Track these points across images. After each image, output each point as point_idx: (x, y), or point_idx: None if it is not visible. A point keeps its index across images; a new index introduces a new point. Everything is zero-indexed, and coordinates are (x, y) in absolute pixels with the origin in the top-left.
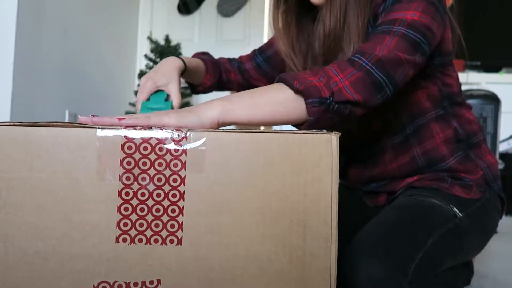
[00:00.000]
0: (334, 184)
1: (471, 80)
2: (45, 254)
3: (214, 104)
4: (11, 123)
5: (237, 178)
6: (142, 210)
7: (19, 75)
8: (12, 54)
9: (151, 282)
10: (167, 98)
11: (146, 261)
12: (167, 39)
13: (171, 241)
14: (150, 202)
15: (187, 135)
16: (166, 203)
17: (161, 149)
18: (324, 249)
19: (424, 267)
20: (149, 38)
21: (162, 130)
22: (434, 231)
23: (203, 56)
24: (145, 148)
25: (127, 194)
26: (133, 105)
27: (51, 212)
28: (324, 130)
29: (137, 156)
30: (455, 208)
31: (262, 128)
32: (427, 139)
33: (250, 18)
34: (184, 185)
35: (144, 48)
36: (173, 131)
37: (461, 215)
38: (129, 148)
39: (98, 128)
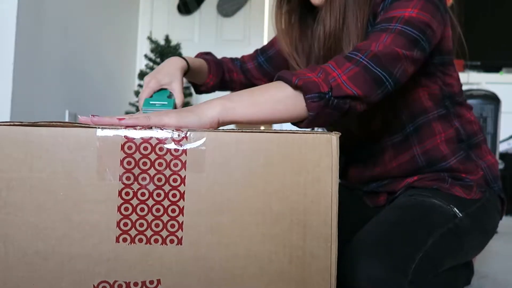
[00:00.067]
0: (334, 184)
1: (471, 80)
2: (45, 254)
3: (214, 103)
4: (11, 123)
5: (237, 178)
6: (142, 210)
7: (19, 75)
8: (12, 54)
9: (151, 282)
10: (170, 95)
11: (146, 261)
12: (167, 39)
13: (171, 241)
14: (150, 202)
15: (187, 135)
16: (166, 203)
17: (161, 149)
18: (324, 249)
19: (424, 267)
20: (149, 38)
21: (162, 130)
22: (434, 231)
23: (206, 56)
24: (145, 148)
25: (127, 194)
26: (133, 105)
27: (51, 212)
28: (324, 130)
29: (137, 156)
30: (455, 208)
31: (262, 127)
32: (428, 138)
33: (250, 18)
34: (184, 185)
35: (144, 48)
36: (173, 131)
37: (461, 215)
38: (129, 148)
39: (98, 128)
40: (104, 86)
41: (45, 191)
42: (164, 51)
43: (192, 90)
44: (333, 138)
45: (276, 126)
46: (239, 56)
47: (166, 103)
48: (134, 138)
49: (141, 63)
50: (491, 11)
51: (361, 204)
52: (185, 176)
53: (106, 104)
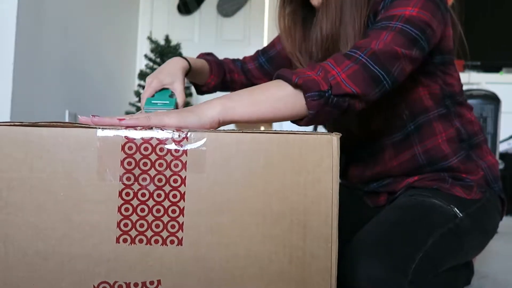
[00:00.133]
0: (334, 185)
1: (471, 80)
2: (45, 254)
3: (214, 103)
4: (12, 123)
5: (238, 178)
6: (142, 210)
7: (19, 75)
8: (12, 54)
9: (151, 283)
10: (172, 95)
11: (146, 261)
12: (167, 39)
13: (172, 242)
14: (150, 203)
15: (188, 135)
16: (166, 203)
17: (161, 149)
18: (325, 249)
19: (424, 267)
20: (149, 38)
21: (163, 130)
22: (434, 231)
23: (208, 56)
24: (146, 149)
25: (127, 194)
26: (133, 105)
27: (51, 212)
28: (325, 131)
29: (137, 156)
30: (455, 208)
31: (262, 127)
32: (429, 137)
33: (250, 18)
34: (185, 185)
35: (144, 48)
36: (173, 131)
37: (461, 215)
38: (130, 148)
39: (99, 128)
40: (104, 86)
41: (45, 191)
42: (164, 51)
43: (193, 90)
44: (334, 139)
45: (276, 125)
46: (239, 56)
47: (167, 102)
48: (135, 139)
49: (141, 63)
50: (491, 11)
51: (362, 204)
52: (185, 176)
53: (106, 104)
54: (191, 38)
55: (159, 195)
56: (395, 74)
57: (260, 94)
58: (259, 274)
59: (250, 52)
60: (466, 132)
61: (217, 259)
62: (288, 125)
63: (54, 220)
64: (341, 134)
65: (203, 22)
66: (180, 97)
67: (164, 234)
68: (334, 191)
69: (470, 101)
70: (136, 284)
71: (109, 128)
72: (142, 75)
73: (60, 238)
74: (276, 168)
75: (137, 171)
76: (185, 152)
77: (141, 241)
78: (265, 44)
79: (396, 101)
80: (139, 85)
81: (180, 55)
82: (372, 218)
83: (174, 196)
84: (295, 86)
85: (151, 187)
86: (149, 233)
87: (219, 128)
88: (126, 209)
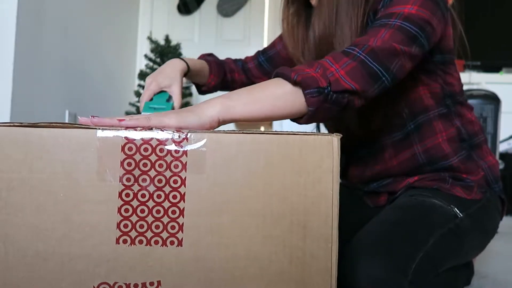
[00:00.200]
0: (335, 186)
1: (471, 80)
2: (45, 255)
3: (214, 102)
4: (12, 124)
5: (238, 179)
6: (142, 211)
7: (19, 75)
8: (12, 54)
9: (151, 283)
10: (169, 99)
11: (146, 262)
12: (167, 39)
13: (172, 243)
14: (150, 204)
15: (188, 136)
16: (166, 204)
17: (161, 150)
18: (325, 250)
19: (424, 267)
20: (149, 38)
21: (163, 131)
22: (434, 231)
23: (208, 57)
24: (146, 149)
25: (127, 195)
26: (133, 105)
27: (51, 212)
28: (326, 131)
29: (137, 157)
30: (455, 209)
31: (262, 127)
32: (429, 136)
33: (250, 18)
34: (185, 186)
35: (144, 48)
36: (173, 132)
37: (461, 215)
38: (130, 149)
39: (99, 129)
40: (104, 86)
41: (45, 191)
42: (164, 51)
43: (193, 90)
44: (334, 140)
45: (276, 124)
46: (239, 56)
47: (164, 107)
48: (135, 139)
49: (141, 63)
50: (491, 11)
51: (362, 204)
52: (185, 177)
53: (106, 104)
54: (191, 38)
55: (159, 196)
56: (394, 70)
57: (259, 93)
58: (259, 274)
59: (250, 52)
60: (467, 132)
61: (217, 259)
62: (288, 126)
63: (54, 221)
64: (341, 135)
65: (203, 22)
66: (176, 101)
67: (164, 235)
68: (334, 191)
69: (470, 101)
70: (136, 285)
71: (109, 129)
72: (142, 75)
73: (60, 238)
74: (276, 168)
75: (137, 172)
76: (185, 152)
77: (141, 242)
78: (265, 44)
79: (396, 100)
80: (139, 85)
81: (180, 55)
82: (372, 218)
83: (174, 197)
84: (294, 83)
85: (151, 188)
86: (149, 234)
87: (219, 129)
88: (126, 210)
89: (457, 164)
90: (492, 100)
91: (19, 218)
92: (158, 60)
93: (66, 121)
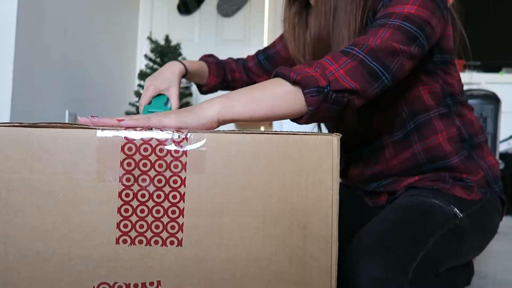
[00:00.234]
0: (334, 186)
1: (471, 80)
2: (45, 255)
3: (213, 102)
4: (12, 124)
5: (238, 179)
6: (142, 211)
7: (19, 75)
8: (12, 54)
9: (151, 284)
10: (167, 102)
11: (146, 262)
12: (167, 39)
13: (172, 243)
14: (150, 204)
15: (188, 136)
16: (166, 204)
17: (161, 150)
18: (325, 250)
19: (424, 267)
20: (149, 38)
21: (163, 131)
22: (434, 231)
23: (208, 58)
24: (146, 149)
25: (127, 195)
26: (133, 105)
27: (51, 213)
28: (324, 130)
29: (137, 157)
30: (455, 209)
31: (262, 127)
32: (430, 136)
33: (250, 18)
34: (185, 186)
35: (144, 48)
36: (173, 132)
37: (461, 215)
38: (129, 149)
39: (98, 129)
40: (104, 86)
41: (45, 192)
42: (164, 51)
43: (193, 90)
44: (334, 140)
45: (276, 124)
46: (239, 56)
47: (162, 110)
48: (134, 139)
49: (141, 63)
50: (492, 11)
51: (362, 204)
52: (185, 177)
53: (106, 104)
54: (191, 38)
55: (158, 196)
56: (393, 70)
57: (259, 92)
58: (259, 274)
59: (250, 52)
60: (467, 132)
61: (217, 260)
62: (288, 126)
63: (54, 221)
64: (341, 135)
65: (203, 22)
66: (174, 103)
67: (164, 235)
68: (334, 191)
69: (470, 101)
70: (136, 285)
71: (108, 129)
72: (142, 75)
73: (60, 239)
74: (276, 168)
75: (136, 172)
76: (185, 152)
77: (141, 242)
78: (265, 44)
79: (396, 100)
80: (139, 85)
81: (180, 55)
82: (372, 218)
83: (174, 197)
84: (294, 83)
85: (151, 188)
86: (149, 234)
87: (219, 128)
88: (126, 210)
89: (457, 164)
90: (492, 100)
91: (20, 219)
92: (158, 60)
93: (66, 121)
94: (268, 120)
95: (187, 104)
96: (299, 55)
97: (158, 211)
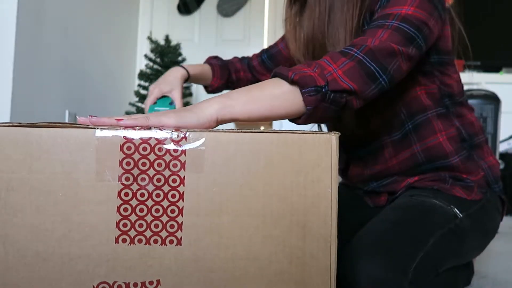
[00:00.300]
0: (333, 184)
1: (471, 80)
2: (45, 255)
3: (212, 101)
4: (11, 124)
5: (237, 178)
6: (141, 210)
7: (19, 75)
8: (12, 54)
9: (151, 283)
10: (172, 102)
11: (145, 261)
12: (167, 39)
13: (171, 242)
14: (149, 203)
15: (187, 135)
16: (165, 203)
17: (160, 149)
18: (324, 249)
19: (424, 267)
20: (149, 38)
21: (162, 130)
22: (434, 231)
23: (212, 60)
24: (145, 149)
25: (126, 194)
26: (133, 105)
27: (50, 213)
28: (324, 130)
29: (136, 156)
30: (455, 209)
31: (262, 127)
32: (429, 135)
33: (250, 18)
34: (184, 185)
35: (144, 48)
36: (172, 131)
37: (461, 215)
38: (128, 148)
39: (97, 128)
40: (104, 86)
41: (45, 192)
42: (164, 51)
43: (192, 90)
44: (333, 138)
45: (276, 124)
46: (239, 55)
47: (168, 109)
48: (133, 139)
49: (141, 63)
50: (491, 11)
51: (362, 204)
52: (184, 176)
53: (106, 104)
54: (191, 38)
55: (158, 195)
56: (391, 71)
57: (257, 92)
58: (259, 274)
59: (250, 52)
60: (467, 132)
61: (216, 259)
62: (288, 125)
63: (54, 221)
64: (339, 133)
65: (203, 22)
66: (178, 104)
67: (163, 234)
68: (333, 190)
69: (470, 101)
70: (135, 284)
71: (107, 129)
72: (142, 75)
73: (60, 238)
74: (275, 168)
75: (136, 171)
76: (183, 152)
77: (140, 241)
78: (265, 44)
79: (393, 100)
80: (139, 85)
81: (180, 55)
82: (372, 218)
83: (173, 196)
84: (292, 82)
85: (150, 187)
86: (148, 233)
87: (218, 128)
88: (125, 209)
89: (457, 163)
90: (492, 100)
91: (19, 218)
92: (158, 60)
93: (66, 121)
94: (267, 120)
95: (187, 104)
96: (300, 55)
97: (157, 210)
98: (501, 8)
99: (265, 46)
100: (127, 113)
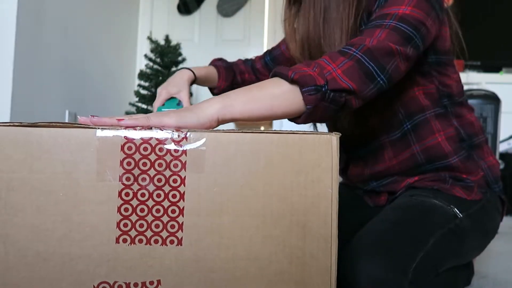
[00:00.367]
0: (334, 185)
1: (471, 80)
2: (45, 255)
3: (213, 101)
4: (11, 124)
5: (237, 178)
6: (142, 210)
7: (19, 75)
8: (12, 54)
9: (151, 283)
10: (179, 103)
11: (146, 261)
12: (167, 39)
13: (171, 242)
14: (150, 203)
15: (187, 135)
16: (166, 203)
17: (161, 149)
18: (324, 249)
19: (424, 267)
20: (149, 38)
21: (162, 130)
22: (434, 231)
23: (217, 62)
24: (145, 149)
25: (127, 194)
26: (133, 105)
27: (51, 212)
28: (325, 131)
29: (137, 156)
30: (455, 209)
31: (262, 127)
32: (428, 136)
33: (250, 18)
34: (184, 185)
35: (144, 48)
36: (173, 131)
37: (461, 215)
38: (129, 148)
39: (98, 128)
40: (104, 86)
41: (45, 192)
42: (164, 51)
43: (192, 90)
44: (333, 139)
45: (276, 124)
46: (239, 56)
47: (175, 109)
48: (134, 139)
49: (141, 63)
50: (491, 11)
51: (362, 204)
52: (185, 176)
53: (106, 104)
54: (191, 38)
55: (158, 195)
56: (390, 71)
57: (257, 92)
58: (259, 274)
59: (250, 52)
60: (466, 132)
61: (217, 259)
62: (288, 125)
63: (54, 221)
64: (340, 134)
65: (203, 22)
66: (186, 105)
67: (164, 234)
68: (334, 190)
69: (470, 101)
70: (136, 284)
71: (108, 128)
72: (142, 75)
73: (60, 238)
74: (275, 168)
75: (136, 171)
76: (184, 152)
77: (140, 241)
78: (265, 44)
79: (392, 101)
80: (139, 85)
81: (180, 55)
82: (372, 218)
83: (174, 196)
84: (292, 82)
85: (151, 187)
86: (148, 233)
87: (218, 128)
88: (126, 209)
89: (457, 163)
90: (492, 100)
91: (19, 218)
92: (158, 60)
93: (66, 121)
94: (267, 119)
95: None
96: (300, 55)
97: (158, 210)
98: (501, 8)
99: (265, 46)
100: (127, 113)
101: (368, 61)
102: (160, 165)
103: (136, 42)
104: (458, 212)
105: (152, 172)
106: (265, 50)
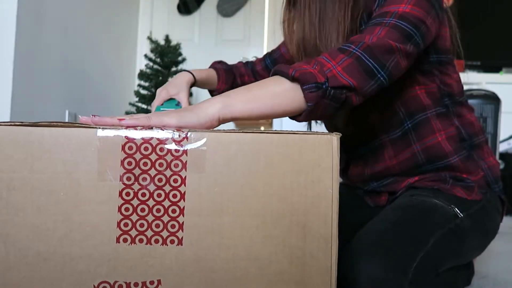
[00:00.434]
0: (334, 185)
1: (471, 80)
2: (46, 255)
3: (213, 101)
4: (12, 123)
5: (238, 178)
6: (142, 210)
7: (19, 75)
8: (12, 54)
9: (152, 283)
10: (178, 104)
11: (146, 261)
12: (167, 39)
13: (172, 242)
14: (150, 203)
15: (188, 135)
16: (166, 203)
17: (161, 149)
18: (324, 249)
19: (424, 267)
20: (149, 38)
21: (163, 130)
22: (435, 231)
23: (217, 64)
24: (146, 149)
25: (127, 194)
26: (133, 105)
27: (52, 212)
28: (325, 131)
29: (137, 156)
30: (456, 209)
31: (262, 127)
32: (428, 135)
33: (250, 18)
34: (185, 185)
35: (144, 48)
36: (173, 131)
37: (462, 215)
38: (130, 148)
39: (99, 128)
40: (104, 86)
41: (46, 191)
42: (164, 51)
43: (192, 90)
44: (334, 139)
45: (276, 123)
46: (239, 56)
47: (174, 109)
48: (135, 139)
49: (141, 63)
50: (491, 11)
51: (362, 204)
52: (185, 176)
53: (106, 104)
54: (191, 38)
55: (159, 195)
56: (390, 68)
57: (258, 90)
58: (259, 274)
59: (250, 52)
60: (466, 132)
61: (217, 259)
62: (288, 125)
63: (55, 221)
64: (340, 134)
65: (203, 22)
66: (184, 105)
67: (164, 234)
68: (334, 191)
69: (470, 101)
70: (136, 284)
71: (109, 128)
72: (142, 75)
73: (61, 238)
74: (276, 168)
75: (137, 171)
76: (185, 152)
77: (141, 240)
78: (265, 44)
79: (392, 99)
80: (139, 85)
81: (180, 55)
82: (372, 218)
83: (174, 196)
84: (292, 79)
85: (151, 187)
86: (149, 233)
87: (219, 127)
88: (126, 209)
89: (457, 163)
90: (492, 100)
91: (20, 218)
92: (158, 60)
93: (67, 121)
94: (268, 118)
95: None
96: (296, 53)
97: (158, 210)
98: (501, 8)
99: (265, 46)
100: (127, 113)
101: (367, 58)
102: (160, 165)
103: (136, 42)
104: (458, 212)
105: (152, 172)
106: (265, 50)
